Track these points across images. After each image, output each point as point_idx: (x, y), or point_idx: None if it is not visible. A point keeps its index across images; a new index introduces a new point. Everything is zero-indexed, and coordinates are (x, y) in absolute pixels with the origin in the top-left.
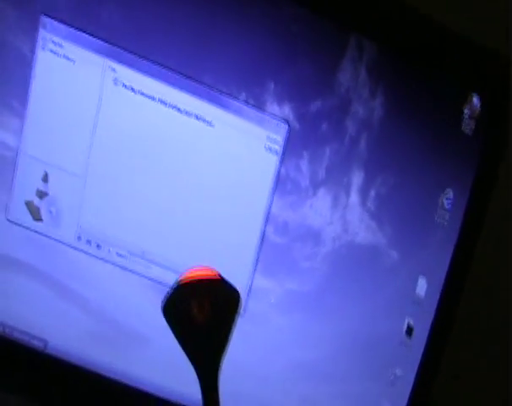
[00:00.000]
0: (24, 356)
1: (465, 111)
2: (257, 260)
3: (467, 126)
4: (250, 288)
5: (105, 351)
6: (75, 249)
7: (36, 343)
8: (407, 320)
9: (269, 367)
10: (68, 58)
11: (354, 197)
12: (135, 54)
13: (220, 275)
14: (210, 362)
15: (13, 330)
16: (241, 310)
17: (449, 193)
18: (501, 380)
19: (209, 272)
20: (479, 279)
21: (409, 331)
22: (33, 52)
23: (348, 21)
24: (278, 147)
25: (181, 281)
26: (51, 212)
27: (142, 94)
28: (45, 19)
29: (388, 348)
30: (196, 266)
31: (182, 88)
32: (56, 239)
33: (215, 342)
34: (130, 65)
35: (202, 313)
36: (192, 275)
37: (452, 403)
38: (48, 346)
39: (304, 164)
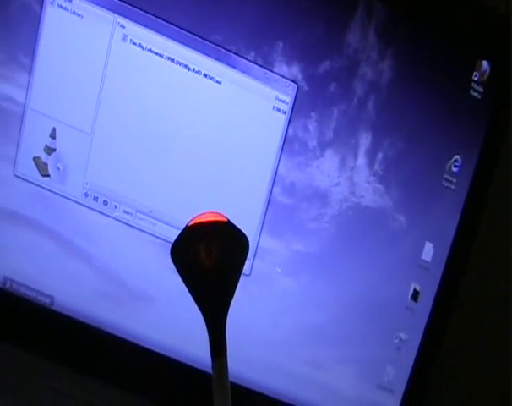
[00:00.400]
0: (30, 312)
1: (474, 75)
2: (263, 221)
3: (476, 90)
4: (256, 248)
5: (111, 308)
6: (82, 205)
7: (43, 299)
8: (413, 285)
9: (275, 329)
10: (76, 14)
11: (361, 159)
12: (144, 11)
13: (228, 219)
14: (217, 307)
15: (20, 285)
16: (247, 270)
17: (458, 158)
18: (504, 345)
19: (218, 216)
20: (486, 244)
21: (415, 295)
22: (42, 6)
23: None
24: (286, 107)
25: (189, 224)
26: (58, 168)
27: (150, 51)
28: None
29: (393, 311)
30: (205, 211)
31: (190, 46)
32: (63, 195)
33: (223, 287)
34: (139, 22)
35: (209, 257)
36: (200, 219)
37: (457, 368)
38: (55, 302)
39: (312, 125)
